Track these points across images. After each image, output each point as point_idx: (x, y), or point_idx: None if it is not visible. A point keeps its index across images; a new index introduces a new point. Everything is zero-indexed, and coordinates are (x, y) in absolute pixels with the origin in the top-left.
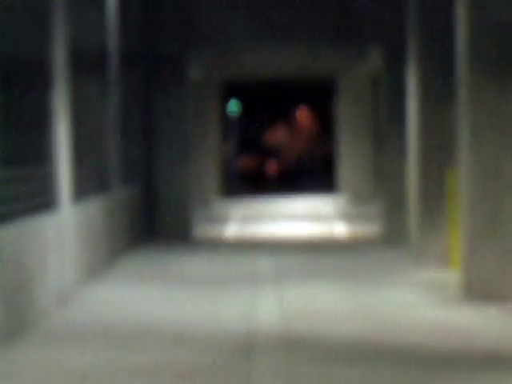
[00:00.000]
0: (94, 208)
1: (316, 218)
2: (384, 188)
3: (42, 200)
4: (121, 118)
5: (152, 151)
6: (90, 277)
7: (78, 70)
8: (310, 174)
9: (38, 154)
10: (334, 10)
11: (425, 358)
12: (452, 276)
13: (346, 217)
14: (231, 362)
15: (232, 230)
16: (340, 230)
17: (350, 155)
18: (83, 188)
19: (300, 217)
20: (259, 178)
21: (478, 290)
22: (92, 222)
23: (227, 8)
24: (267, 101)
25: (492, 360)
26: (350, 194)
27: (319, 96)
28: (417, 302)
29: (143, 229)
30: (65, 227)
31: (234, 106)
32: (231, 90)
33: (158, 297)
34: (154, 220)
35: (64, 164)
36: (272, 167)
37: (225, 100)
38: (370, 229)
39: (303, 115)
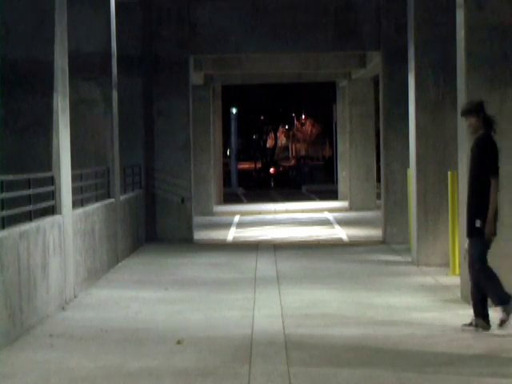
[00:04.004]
0: (96, 212)
1: (316, 221)
2: (385, 192)
3: (44, 204)
4: (122, 121)
5: (153, 155)
6: (91, 280)
7: (79, 74)
8: (311, 178)
9: (40, 159)
10: (334, 15)
11: (425, 360)
12: (452, 279)
13: (347, 220)
14: (232, 365)
15: (232, 233)
16: (341, 233)
17: (351, 159)
18: (85, 192)
19: (300, 221)
20: (259, 181)
21: None
22: (93, 225)
23: (228, 13)
24: (267, 105)
25: (491, 362)
26: (350, 198)
27: (320, 101)
28: (417, 305)
29: (145, 232)
30: (66, 231)
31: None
32: (232, 94)
33: (158, 300)
34: (155, 223)
35: (65, 168)
36: (272, 171)
37: (225, 105)
38: (370, 232)
39: (304, 120)
